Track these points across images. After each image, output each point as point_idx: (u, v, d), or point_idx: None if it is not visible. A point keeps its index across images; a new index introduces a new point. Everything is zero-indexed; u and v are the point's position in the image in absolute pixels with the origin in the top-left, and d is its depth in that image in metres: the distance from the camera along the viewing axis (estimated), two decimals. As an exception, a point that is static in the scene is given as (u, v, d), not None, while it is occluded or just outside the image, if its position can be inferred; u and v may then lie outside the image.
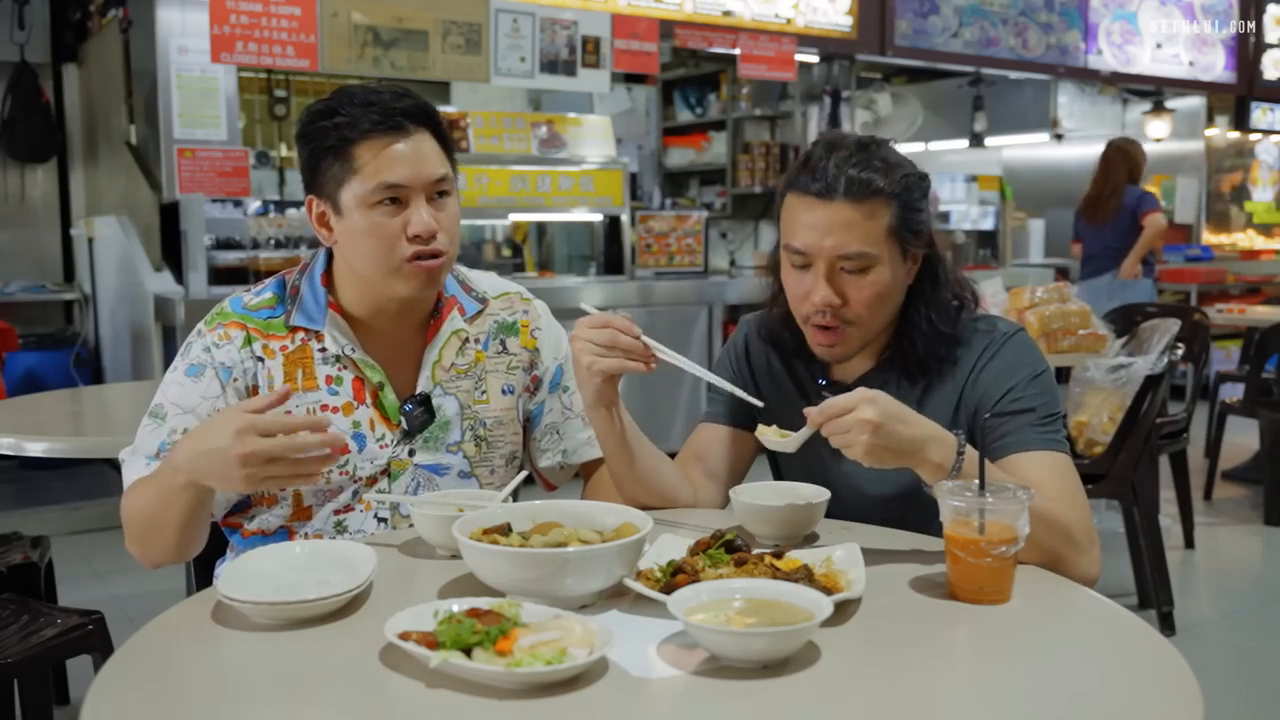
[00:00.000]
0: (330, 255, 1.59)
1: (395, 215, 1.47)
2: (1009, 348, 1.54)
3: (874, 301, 1.49)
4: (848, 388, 1.57)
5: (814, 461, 1.63)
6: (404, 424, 1.56)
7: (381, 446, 1.56)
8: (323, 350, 1.55)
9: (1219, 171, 8.98)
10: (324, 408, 1.54)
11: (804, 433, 1.35)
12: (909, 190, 1.49)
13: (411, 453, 1.58)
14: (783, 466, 1.74)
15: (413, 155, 1.47)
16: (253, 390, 1.53)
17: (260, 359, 1.53)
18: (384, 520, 1.57)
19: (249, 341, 1.53)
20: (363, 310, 1.56)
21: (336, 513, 1.56)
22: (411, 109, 1.49)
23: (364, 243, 1.48)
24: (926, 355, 1.55)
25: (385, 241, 1.47)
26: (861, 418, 1.27)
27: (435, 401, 1.59)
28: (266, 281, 1.61)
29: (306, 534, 1.56)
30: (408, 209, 1.48)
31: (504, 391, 1.65)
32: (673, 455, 1.70)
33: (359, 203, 1.47)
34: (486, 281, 1.71)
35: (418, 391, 1.58)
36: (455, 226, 1.53)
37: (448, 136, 1.55)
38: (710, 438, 1.70)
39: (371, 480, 1.56)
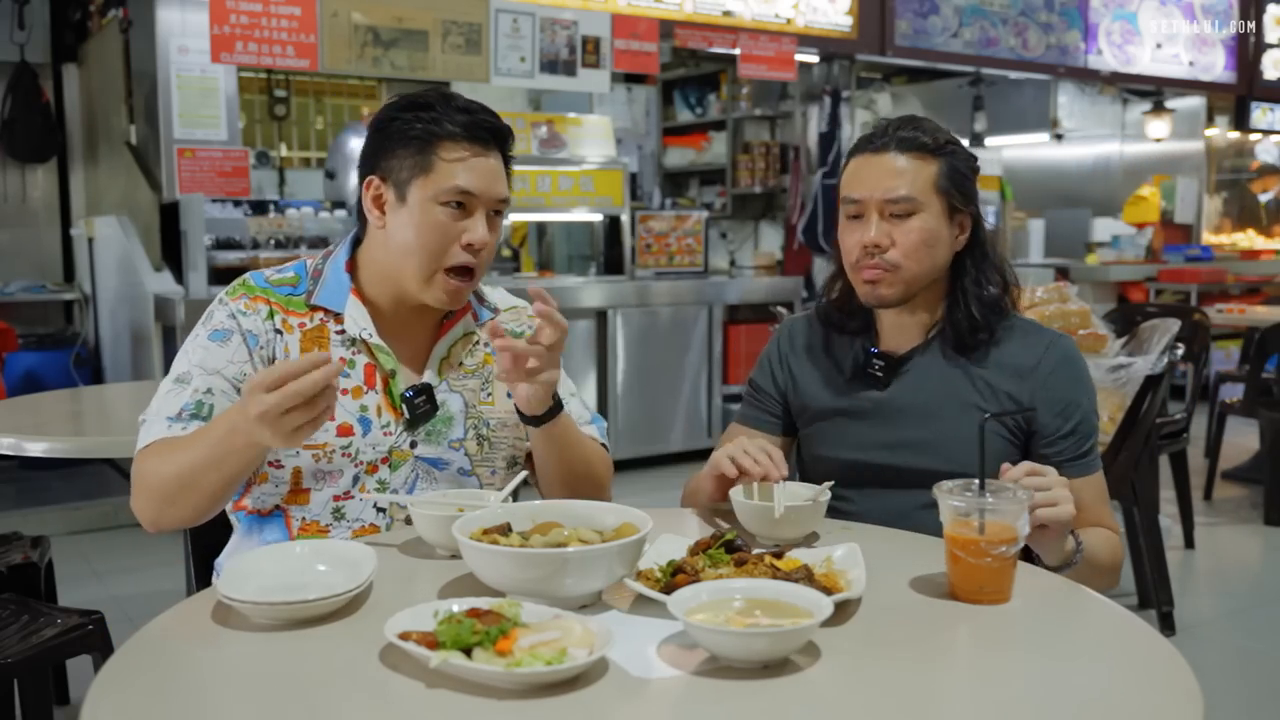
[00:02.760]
0: (355, 244, 1.63)
1: (457, 220, 1.52)
2: (1075, 358, 1.64)
3: (919, 245, 1.59)
4: (898, 360, 1.67)
5: (853, 433, 1.69)
6: (406, 412, 1.58)
7: (385, 433, 1.57)
8: (340, 332, 1.58)
9: (1264, 174, 9.06)
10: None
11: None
12: (955, 154, 1.63)
13: (414, 444, 1.59)
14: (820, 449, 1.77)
15: (490, 170, 1.54)
16: (271, 362, 1.54)
17: (279, 332, 1.56)
18: (383, 510, 1.58)
19: (271, 315, 1.57)
20: (384, 300, 1.60)
21: (336, 498, 1.57)
22: (500, 129, 1.56)
23: (417, 236, 1.52)
24: (971, 328, 1.63)
25: (440, 241, 1.52)
26: (1065, 496, 1.35)
27: (440, 397, 1.61)
28: (289, 263, 1.65)
29: (304, 518, 1.56)
30: (470, 218, 1.53)
31: (509, 395, 1.66)
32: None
33: (429, 197, 1.51)
34: (497, 295, 1.76)
35: (422, 381, 1.60)
36: (495, 247, 1.59)
37: (510, 164, 1.61)
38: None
39: (372, 467, 1.57)
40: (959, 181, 1.62)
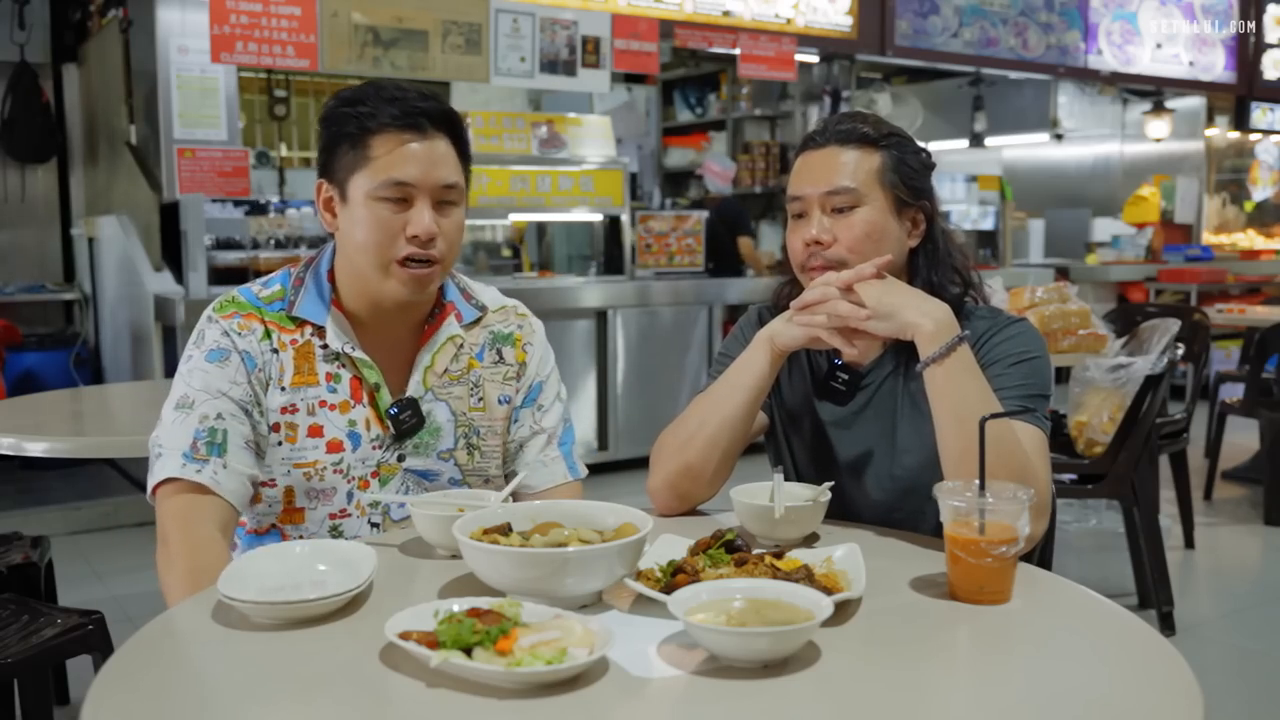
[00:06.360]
0: (335, 251, 1.60)
1: (398, 212, 1.48)
2: (1013, 330, 1.56)
3: (862, 239, 1.53)
4: (860, 373, 1.62)
5: (817, 446, 1.65)
6: (392, 428, 1.56)
7: (374, 447, 1.56)
8: (324, 347, 1.55)
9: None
10: (322, 404, 1.54)
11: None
12: (900, 146, 1.58)
13: (401, 457, 1.58)
14: (787, 453, 1.73)
15: (426, 156, 1.48)
16: (266, 386, 1.52)
17: (275, 351, 1.54)
18: (376, 525, 1.58)
19: (268, 334, 1.54)
20: (361, 307, 1.56)
21: (332, 516, 1.56)
22: (434, 111, 1.50)
23: (363, 234, 1.49)
24: None
25: (384, 236, 1.48)
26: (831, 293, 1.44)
27: (425, 407, 1.58)
28: (273, 274, 1.61)
29: (300, 537, 1.55)
30: (412, 208, 1.48)
31: (500, 401, 1.65)
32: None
33: (366, 194, 1.48)
34: (488, 294, 1.70)
35: (407, 395, 1.58)
36: (457, 235, 1.54)
37: (466, 146, 1.56)
38: None
39: (364, 482, 1.56)
40: (906, 175, 1.57)
